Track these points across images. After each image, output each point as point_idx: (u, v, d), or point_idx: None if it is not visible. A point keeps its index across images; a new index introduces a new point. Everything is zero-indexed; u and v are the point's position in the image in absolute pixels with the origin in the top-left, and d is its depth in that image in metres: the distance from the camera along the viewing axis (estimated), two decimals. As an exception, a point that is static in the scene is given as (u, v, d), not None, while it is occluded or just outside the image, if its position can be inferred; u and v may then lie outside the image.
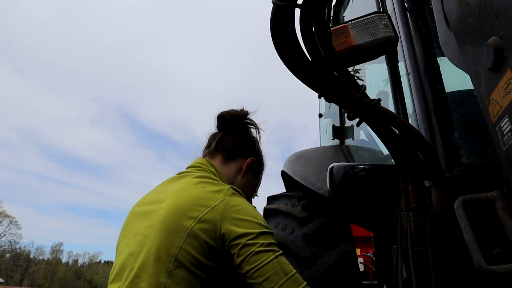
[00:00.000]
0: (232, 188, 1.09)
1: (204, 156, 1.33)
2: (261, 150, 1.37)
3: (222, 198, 1.03)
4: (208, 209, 1.00)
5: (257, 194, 1.62)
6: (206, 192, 1.05)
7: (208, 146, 1.31)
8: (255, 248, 0.95)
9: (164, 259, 0.94)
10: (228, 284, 1.09)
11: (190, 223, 0.97)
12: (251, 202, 1.30)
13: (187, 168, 1.25)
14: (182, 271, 0.94)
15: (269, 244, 0.97)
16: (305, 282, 0.98)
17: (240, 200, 1.06)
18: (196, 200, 1.02)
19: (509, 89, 0.72)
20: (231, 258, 1.00)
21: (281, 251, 1.00)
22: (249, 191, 1.34)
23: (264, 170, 1.42)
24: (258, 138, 1.36)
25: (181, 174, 1.20)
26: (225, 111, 1.31)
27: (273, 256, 0.95)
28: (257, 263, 0.93)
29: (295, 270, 0.98)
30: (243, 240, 0.96)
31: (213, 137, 1.32)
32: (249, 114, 1.34)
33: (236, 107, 1.33)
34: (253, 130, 1.37)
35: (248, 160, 1.28)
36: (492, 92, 0.79)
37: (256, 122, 1.36)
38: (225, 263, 1.03)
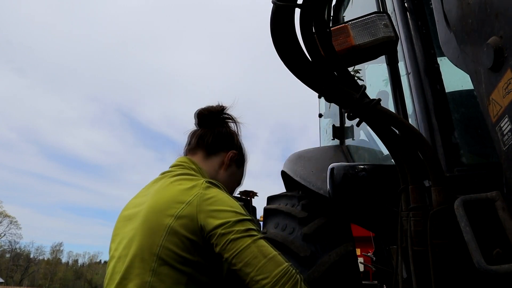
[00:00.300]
0: (206, 181, 1.11)
1: (185, 154, 1.34)
2: (241, 143, 1.39)
3: (196, 193, 1.05)
4: (184, 205, 1.02)
5: (257, 195, 1.62)
6: (181, 189, 1.07)
7: (189, 143, 1.33)
8: (231, 236, 0.96)
9: (147, 258, 0.97)
10: (219, 277, 1.10)
11: (168, 221, 0.99)
12: (232, 193, 1.31)
13: (170, 167, 1.25)
14: (166, 268, 0.96)
15: (246, 230, 0.98)
16: (288, 263, 0.97)
17: (214, 192, 1.08)
18: (172, 198, 1.04)
19: (509, 89, 0.72)
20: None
21: (259, 235, 1.00)
22: (234, 183, 1.36)
23: (247, 162, 1.44)
24: (237, 131, 1.38)
25: (163, 174, 1.22)
26: (203, 108, 1.33)
27: (250, 241, 0.96)
28: (234, 249, 0.95)
29: (276, 252, 0.98)
30: (219, 230, 0.97)
31: (192, 134, 1.34)
32: (226, 108, 1.35)
33: (214, 103, 1.35)
34: (232, 124, 1.38)
35: (229, 153, 1.30)
36: (492, 92, 0.79)
37: (234, 116, 1.38)
38: (210, 256, 1.04)
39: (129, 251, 1.00)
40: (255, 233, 1.00)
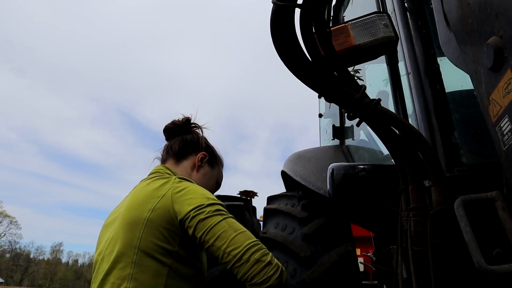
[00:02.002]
0: (179, 177, 1.19)
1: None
2: (211, 145, 1.47)
3: (170, 186, 1.12)
4: (159, 198, 1.08)
5: (257, 195, 1.63)
6: (156, 186, 1.14)
7: (161, 157, 1.42)
8: (203, 216, 1.02)
9: (128, 252, 1.02)
10: (201, 270, 1.15)
11: (146, 214, 1.06)
12: (212, 193, 1.34)
13: (148, 175, 1.33)
14: (147, 259, 1.01)
15: (216, 210, 1.04)
16: (257, 240, 1.01)
17: (186, 184, 1.14)
18: (148, 194, 1.11)
19: (509, 89, 0.72)
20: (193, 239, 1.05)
21: (230, 215, 1.05)
22: (210, 184, 1.41)
23: (222, 162, 1.51)
24: (203, 136, 1.46)
25: (140, 181, 1.29)
26: (168, 123, 1.43)
27: (221, 218, 1.01)
28: (206, 226, 1.00)
29: (245, 229, 1.03)
30: (191, 213, 1.03)
31: (164, 148, 1.43)
32: (189, 119, 1.45)
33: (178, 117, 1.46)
34: (198, 131, 1.47)
35: (198, 155, 1.38)
36: (492, 92, 0.79)
37: (200, 124, 1.48)
38: (190, 247, 1.09)
39: (113, 249, 1.05)
40: (225, 213, 1.06)
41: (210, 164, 1.42)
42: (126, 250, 1.02)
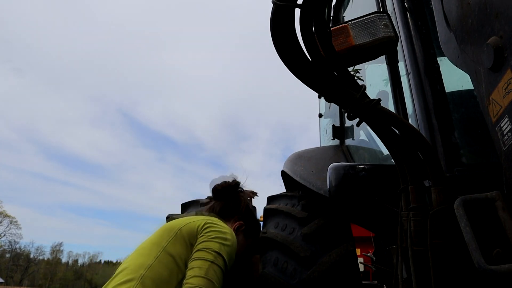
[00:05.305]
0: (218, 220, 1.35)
1: None
2: (252, 212, 1.55)
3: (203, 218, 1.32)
4: (192, 221, 1.29)
5: (257, 195, 1.63)
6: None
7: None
8: (201, 246, 1.18)
9: (155, 249, 1.21)
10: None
11: (177, 228, 1.26)
12: (251, 266, 1.47)
13: None
14: (167, 258, 1.17)
15: (216, 252, 1.17)
16: None
17: (218, 221, 1.29)
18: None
19: (509, 89, 0.72)
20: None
21: (219, 264, 1.16)
22: (237, 252, 1.44)
23: (259, 232, 1.56)
24: (247, 201, 1.54)
25: None
26: (218, 184, 1.55)
27: (211, 258, 1.15)
28: (196, 255, 1.16)
29: (214, 281, 1.12)
30: (200, 238, 1.22)
31: (208, 206, 1.54)
32: (238, 183, 1.54)
33: (229, 176, 1.57)
34: (243, 195, 1.57)
35: (236, 223, 1.47)
36: (492, 92, 0.79)
37: (247, 188, 1.59)
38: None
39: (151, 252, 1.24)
40: (219, 259, 1.18)
41: (245, 235, 1.48)
42: (154, 247, 1.22)
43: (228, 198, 1.50)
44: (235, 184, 1.54)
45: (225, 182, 1.53)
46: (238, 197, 1.51)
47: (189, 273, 1.11)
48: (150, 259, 1.17)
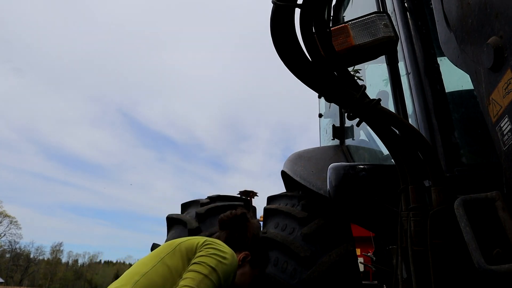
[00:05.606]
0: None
1: None
2: (260, 242, 1.52)
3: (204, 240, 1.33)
4: (193, 238, 1.33)
5: (257, 195, 1.63)
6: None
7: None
8: (197, 260, 1.20)
9: (154, 260, 1.24)
10: None
11: (178, 242, 1.30)
12: None
13: None
14: (164, 268, 1.20)
15: (211, 267, 1.18)
16: None
17: (220, 242, 1.31)
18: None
19: (509, 89, 0.72)
20: None
21: (213, 280, 1.17)
22: (247, 282, 1.45)
23: (267, 262, 1.54)
24: (254, 232, 1.53)
25: None
26: (224, 214, 1.56)
27: (205, 272, 1.16)
28: (190, 268, 1.19)
29: None
30: (198, 253, 1.24)
31: (214, 235, 1.55)
32: (245, 214, 1.53)
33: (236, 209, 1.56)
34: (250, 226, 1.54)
35: (241, 254, 1.45)
36: (492, 92, 0.79)
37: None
38: None
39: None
40: (214, 274, 1.18)
41: (251, 265, 1.46)
42: (154, 259, 1.26)
43: (235, 229, 1.51)
44: (241, 214, 1.54)
45: (230, 213, 1.55)
46: (245, 228, 1.52)
47: (181, 283, 1.12)
48: (147, 268, 1.20)
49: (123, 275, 1.23)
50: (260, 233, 1.56)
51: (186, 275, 1.15)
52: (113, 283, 1.19)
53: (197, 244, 1.28)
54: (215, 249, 1.24)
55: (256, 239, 1.51)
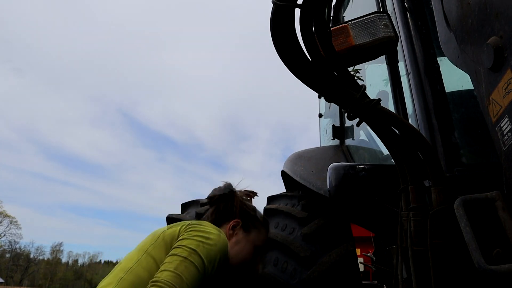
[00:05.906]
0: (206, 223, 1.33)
1: None
2: (248, 209, 1.50)
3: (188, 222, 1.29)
4: (175, 225, 1.29)
5: (257, 195, 1.63)
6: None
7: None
8: (178, 244, 1.17)
9: (139, 253, 1.21)
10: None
11: (161, 231, 1.27)
12: (247, 259, 1.40)
13: None
14: (148, 260, 1.17)
15: (191, 249, 1.15)
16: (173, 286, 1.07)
17: (206, 223, 1.29)
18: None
19: (509, 89, 0.72)
20: None
21: (194, 261, 1.13)
22: (245, 250, 1.40)
23: (263, 223, 1.52)
24: (240, 201, 1.51)
25: None
26: (211, 193, 1.55)
27: (184, 254, 1.13)
28: (170, 252, 1.16)
29: (181, 275, 1.09)
30: (180, 237, 1.21)
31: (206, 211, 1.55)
32: (228, 185, 1.53)
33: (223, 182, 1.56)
34: (237, 198, 1.52)
35: (230, 223, 1.43)
36: (492, 92, 0.79)
37: (241, 189, 1.57)
38: None
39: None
40: (194, 255, 1.15)
41: (245, 230, 1.44)
42: (139, 253, 1.23)
43: (220, 201, 1.49)
44: (224, 186, 1.53)
45: (215, 189, 1.54)
46: (231, 198, 1.50)
47: (160, 268, 1.10)
48: (131, 262, 1.18)
49: (110, 272, 1.21)
50: (248, 201, 1.55)
51: (166, 259, 1.13)
52: (100, 282, 1.17)
53: (180, 229, 1.24)
54: (197, 231, 1.21)
55: (244, 207, 1.50)
